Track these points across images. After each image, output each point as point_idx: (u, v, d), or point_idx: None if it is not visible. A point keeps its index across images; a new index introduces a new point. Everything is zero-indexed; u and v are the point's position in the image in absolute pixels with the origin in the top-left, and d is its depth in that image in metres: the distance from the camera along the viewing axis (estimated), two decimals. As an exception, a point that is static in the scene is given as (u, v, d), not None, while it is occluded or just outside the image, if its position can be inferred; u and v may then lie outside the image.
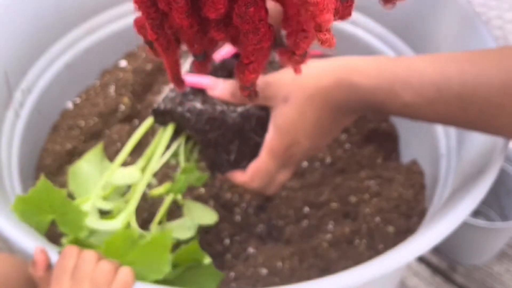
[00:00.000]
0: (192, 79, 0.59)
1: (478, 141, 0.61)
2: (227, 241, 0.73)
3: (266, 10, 0.33)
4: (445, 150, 0.70)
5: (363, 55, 0.55)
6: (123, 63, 0.88)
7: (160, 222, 0.65)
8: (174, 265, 0.58)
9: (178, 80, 0.40)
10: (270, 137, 0.56)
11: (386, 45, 0.81)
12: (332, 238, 0.69)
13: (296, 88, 0.54)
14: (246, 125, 0.58)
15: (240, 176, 0.60)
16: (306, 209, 0.75)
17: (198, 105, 0.58)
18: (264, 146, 0.57)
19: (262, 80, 0.55)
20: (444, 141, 0.71)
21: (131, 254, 0.53)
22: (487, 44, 0.64)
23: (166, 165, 0.65)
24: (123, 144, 0.79)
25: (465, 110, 0.48)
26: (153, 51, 0.41)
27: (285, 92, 0.54)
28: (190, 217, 0.66)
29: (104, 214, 0.62)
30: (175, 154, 0.63)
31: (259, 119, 0.58)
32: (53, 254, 0.50)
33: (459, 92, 0.48)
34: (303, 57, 0.36)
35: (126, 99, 0.83)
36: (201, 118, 0.57)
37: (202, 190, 0.76)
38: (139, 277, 0.51)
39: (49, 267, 0.50)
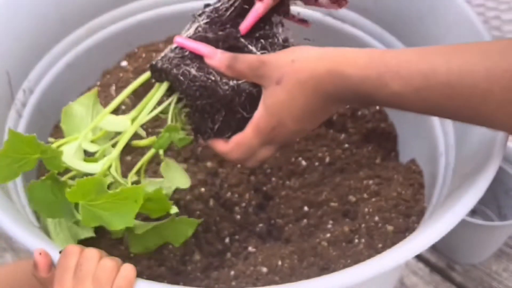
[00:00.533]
0: (192, 44, 0.60)
1: (476, 140, 0.62)
2: (227, 240, 0.73)
3: None
4: (443, 149, 0.71)
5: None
6: (124, 63, 0.88)
7: (138, 174, 0.66)
8: (145, 218, 0.60)
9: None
10: (259, 115, 0.58)
11: (385, 46, 0.82)
12: (332, 237, 0.69)
13: (290, 72, 0.55)
14: (236, 99, 0.59)
15: (221, 145, 0.62)
16: (306, 209, 0.75)
17: (193, 70, 0.59)
18: (250, 122, 0.59)
19: (258, 59, 0.56)
20: (442, 140, 0.72)
21: (102, 199, 0.55)
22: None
23: (158, 120, 0.68)
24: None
25: (452, 98, 0.48)
26: None
27: (279, 74, 0.55)
28: (165, 176, 0.67)
29: (90, 156, 0.63)
30: (165, 111, 0.64)
31: (249, 96, 0.59)
32: (54, 253, 0.50)
33: (446, 80, 0.48)
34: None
35: (126, 99, 0.84)
36: (193, 84, 0.59)
37: (202, 189, 0.76)
38: (105, 222, 0.53)
39: (50, 267, 0.50)
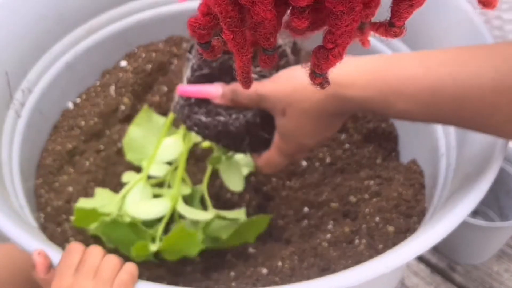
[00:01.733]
0: (193, 89, 0.61)
1: (477, 140, 0.61)
2: (227, 240, 0.73)
3: None
4: (444, 150, 0.70)
5: (361, 54, 0.55)
6: (123, 63, 0.88)
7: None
8: None
9: (248, 79, 0.38)
10: (277, 141, 0.60)
11: (385, 45, 0.82)
12: (332, 237, 0.69)
13: (293, 102, 0.56)
14: (252, 127, 0.61)
15: (257, 161, 0.65)
16: (306, 209, 0.75)
17: (202, 118, 0.61)
18: (273, 145, 0.61)
19: (257, 93, 0.57)
20: (443, 141, 0.71)
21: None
22: (487, 43, 0.64)
23: None
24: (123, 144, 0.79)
25: (460, 111, 0.48)
26: (208, 53, 0.38)
27: (282, 106, 0.56)
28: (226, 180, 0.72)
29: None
30: None
31: (263, 117, 0.60)
32: (55, 253, 0.50)
33: (452, 94, 0.48)
34: (403, 28, 0.35)
35: (126, 99, 0.84)
36: (209, 131, 0.61)
37: (202, 190, 0.76)
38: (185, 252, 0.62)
39: (49, 268, 0.50)
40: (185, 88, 0.62)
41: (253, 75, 0.59)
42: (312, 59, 0.36)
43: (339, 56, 0.34)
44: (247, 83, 0.38)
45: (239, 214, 0.70)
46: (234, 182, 0.71)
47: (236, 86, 0.59)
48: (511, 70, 0.45)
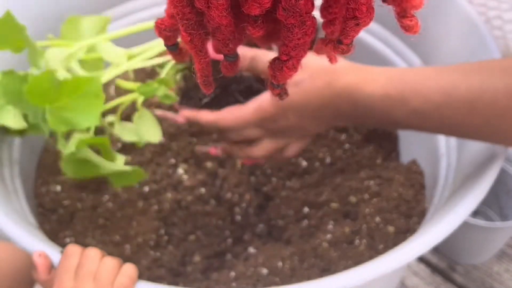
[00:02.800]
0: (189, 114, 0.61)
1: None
2: (227, 241, 0.73)
3: (313, 2, 0.32)
4: (445, 150, 0.70)
5: (362, 54, 0.56)
6: (124, 63, 0.88)
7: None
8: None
9: (208, 83, 0.38)
10: (265, 98, 0.57)
11: (385, 45, 0.82)
12: (332, 238, 0.69)
13: (311, 77, 0.55)
14: (234, 85, 0.59)
15: (207, 114, 0.60)
16: (306, 209, 0.75)
17: None
18: (254, 100, 0.58)
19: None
20: (444, 141, 0.71)
21: (63, 99, 0.55)
22: (487, 43, 0.64)
23: (152, 77, 0.68)
24: (123, 143, 0.79)
25: (472, 114, 0.48)
26: (176, 55, 0.39)
27: (299, 78, 0.55)
28: (137, 125, 0.66)
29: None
30: (163, 65, 0.63)
31: (248, 88, 0.59)
32: (55, 254, 0.50)
33: (466, 96, 0.48)
34: (350, 46, 0.35)
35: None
36: None
37: (202, 190, 0.76)
38: (73, 124, 0.54)
39: (50, 270, 0.50)
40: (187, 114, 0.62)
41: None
42: (269, 70, 0.36)
43: (293, 68, 0.35)
44: (207, 86, 0.39)
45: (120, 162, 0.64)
46: (152, 133, 0.66)
47: (255, 53, 0.57)
48: None
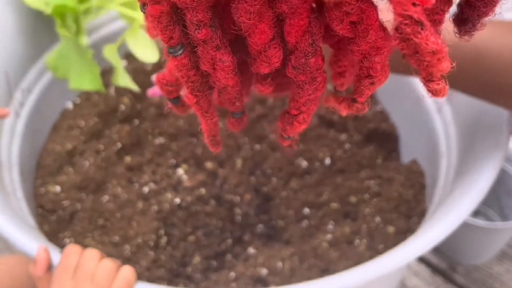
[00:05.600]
0: (157, 90, 0.60)
1: (478, 141, 0.61)
2: (227, 241, 0.73)
3: (323, 58, 0.31)
4: (445, 150, 0.70)
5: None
6: (123, 63, 0.88)
7: None
8: None
9: (216, 143, 0.37)
10: None
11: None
12: (332, 238, 0.69)
13: None
14: None
15: None
16: (306, 210, 0.75)
17: None
18: None
19: None
20: (444, 141, 0.71)
21: None
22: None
23: None
24: (123, 144, 0.79)
25: (477, 63, 0.48)
26: (179, 108, 0.37)
27: None
28: (132, 47, 0.66)
29: None
30: None
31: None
32: (55, 254, 0.50)
33: (475, 43, 0.48)
34: (365, 104, 0.33)
35: (126, 99, 0.83)
36: None
37: (203, 190, 0.76)
38: None
39: (49, 267, 0.50)
40: (154, 90, 0.60)
41: None
42: (279, 123, 0.35)
43: (304, 122, 0.34)
44: (215, 146, 0.38)
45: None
46: (147, 53, 0.65)
47: None
48: None
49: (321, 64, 0.30)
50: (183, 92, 0.36)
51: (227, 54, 0.29)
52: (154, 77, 0.59)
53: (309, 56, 0.29)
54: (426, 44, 0.25)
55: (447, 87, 0.28)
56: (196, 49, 0.30)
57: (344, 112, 0.36)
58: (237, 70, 0.31)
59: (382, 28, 0.28)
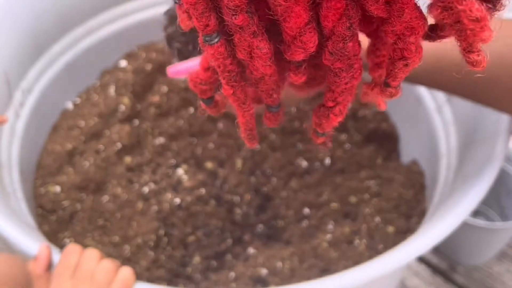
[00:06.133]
0: (183, 66, 0.59)
1: (478, 141, 0.61)
2: (227, 241, 0.73)
3: (360, 43, 0.30)
4: (445, 150, 0.70)
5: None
6: (123, 63, 0.88)
7: None
8: None
9: (253, 137, 0.36)
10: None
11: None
12: (332, 238, 0.69)
13: None
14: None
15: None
16: (306, 209, 0.75)
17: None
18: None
19: None
20: (444, 141, 0.71)
21: None
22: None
23: None
24: (123, 144, 0.79)
25: (461, 81, 0.48)
26: (212, 108, 0.36)
27: None
28: None
29: None
30: None
31: None
32: (55, 253, 0.50)
33: (456, 63, 0.48)
34: (398, 88, 0.33)
35: (126, 99, 0.83)
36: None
37: (203, 190, 0.76)
38: None
39: (49, 266, 0.50)
40: (175, 69, 0.60)
41: None
42: (313, 118, 0.34)
43: (340, 114, 0.33)
44: (251, 141, 0.36)
45: None
46: None
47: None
48: None
49: (358, 50, 0.29)
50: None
51: (264, 41, 0.29)
52: (169, 69, 0.59)
53: (346, 40, 0.28)
54: (470, 11, 0.25)
55: (487, 58, 0.28)
56: (232, 37, 0.29)
57: (382, 105, 0.36)
58: (274, 60, 0.30)
59: (417, 7, 0.28)
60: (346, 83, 0.31)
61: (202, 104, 0.36)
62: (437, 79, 0.50)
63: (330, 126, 0.34)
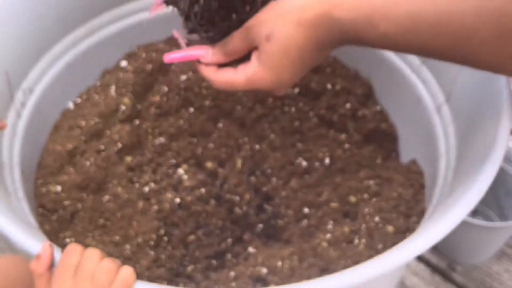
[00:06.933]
0: (182, 54, 0.59)
1: (477, 140, 0.62)
2: (227, 241, 0.73)
3: None
4: (444, 150, 0.70)
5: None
6: (124, 63, 0.88)
7: None
8: None
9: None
10: (254, 70, 0.55)
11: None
12: (332, 237, 0.69)
13: (279, 24, 0.53)
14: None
15: (206, 70, 0.58)
16: (306, 209, 0.75)
17: None
18: (244, 73, 0.56)
19: (243, 27, 0.54)
20: (443, 141, 0.71)
21: None
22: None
23: None
24: (123, 144, 0.79)
25: (439, 37, 0.49)
26: None
27: (268, 30, 0.53)
28: None
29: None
30: None
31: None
32: (56, 253, 0.50)
33: (433, 19, 0.48)
34: None
35: (126, 99, 0.83)
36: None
37: (203, 190, 0.76)
38: None
39: (51, 265, 0.50)
40: (172, 56, 0.60)
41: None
42: None
43: None
44: None
45: None
46: None
47: (223, 41, 0.56)
48: None
49: None
50: None
51: None
52: (166, 55, 0.59)
53: None
54: None
55: None
56: None
57: None
58: None
59: None
60: None
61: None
62: (414, 40, 0.50)
63: None
